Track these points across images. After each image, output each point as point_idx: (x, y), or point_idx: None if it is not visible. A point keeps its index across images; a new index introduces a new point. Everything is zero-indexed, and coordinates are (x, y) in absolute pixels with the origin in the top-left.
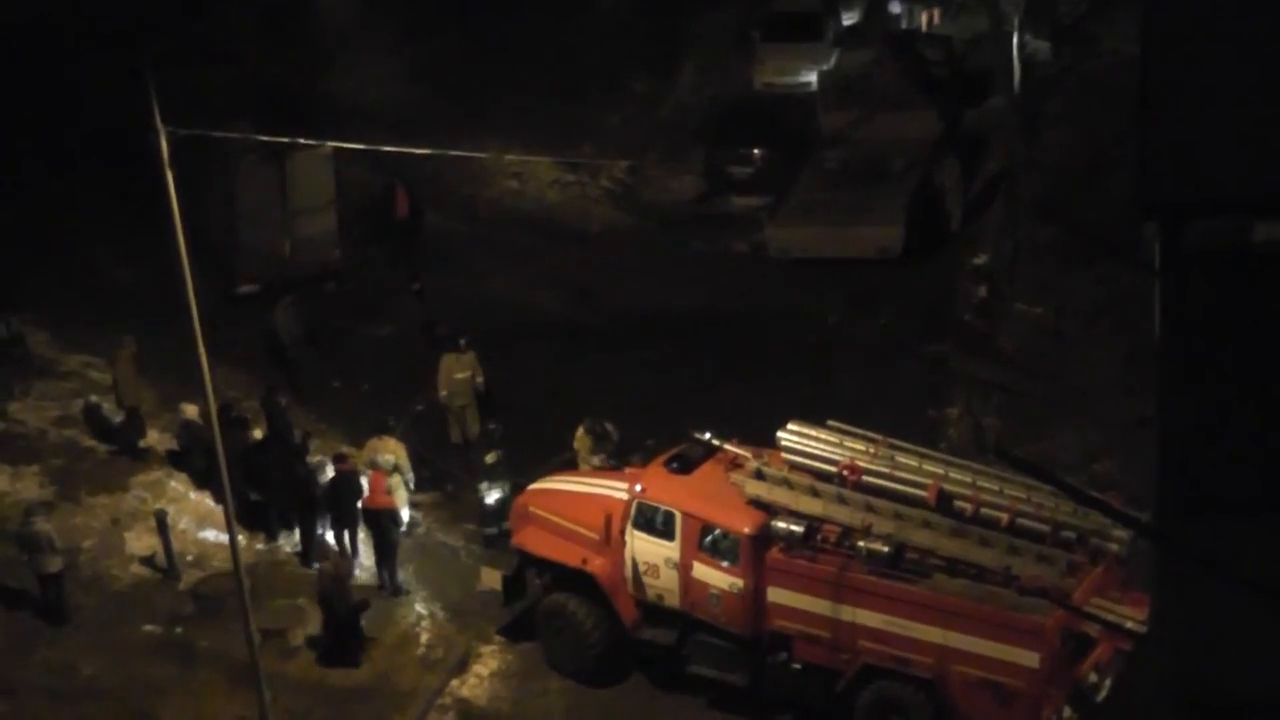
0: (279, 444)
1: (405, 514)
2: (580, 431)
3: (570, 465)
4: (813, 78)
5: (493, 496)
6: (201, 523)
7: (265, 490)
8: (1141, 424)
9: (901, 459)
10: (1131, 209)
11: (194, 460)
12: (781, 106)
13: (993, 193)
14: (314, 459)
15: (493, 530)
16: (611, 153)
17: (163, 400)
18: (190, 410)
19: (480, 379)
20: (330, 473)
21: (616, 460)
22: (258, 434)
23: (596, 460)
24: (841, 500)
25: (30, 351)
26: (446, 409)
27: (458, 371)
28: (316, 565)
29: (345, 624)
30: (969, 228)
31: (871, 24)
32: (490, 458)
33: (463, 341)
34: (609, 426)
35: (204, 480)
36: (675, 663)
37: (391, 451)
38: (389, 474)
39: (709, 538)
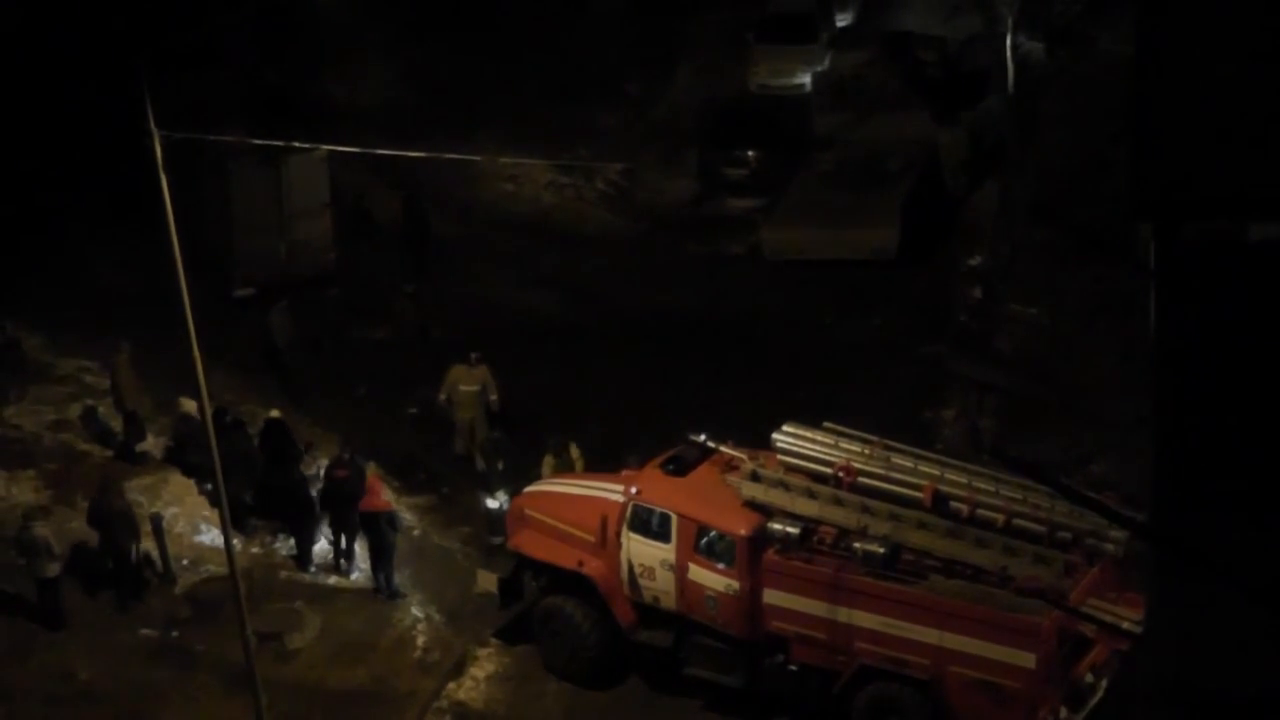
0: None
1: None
2: (548, 457)
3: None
4: (807, 79)
5: (496, 504)
6: (197, 526)
7: (262, 494)
8: (1137, 424)
9: (897, 460)
10: (1127, 209)
11: (188, 455)
12: (776, 108)
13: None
14: (318, 460)
15: (498, 539)
16: (606, 155)
17: (158, 404)
18: (190, 405)
19: (494, 396)
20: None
21: None
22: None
23: None
24: (837, 502)
25: (25, 355)
26: (449, 417)
27: (465, 384)
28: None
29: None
30: (965, 219)
31: (865, 25)
32: (499, 465)
33: (474, 356)
34: (574, 452)
35: (195, 473)
36: (672, 665)
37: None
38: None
39: (705, 540)
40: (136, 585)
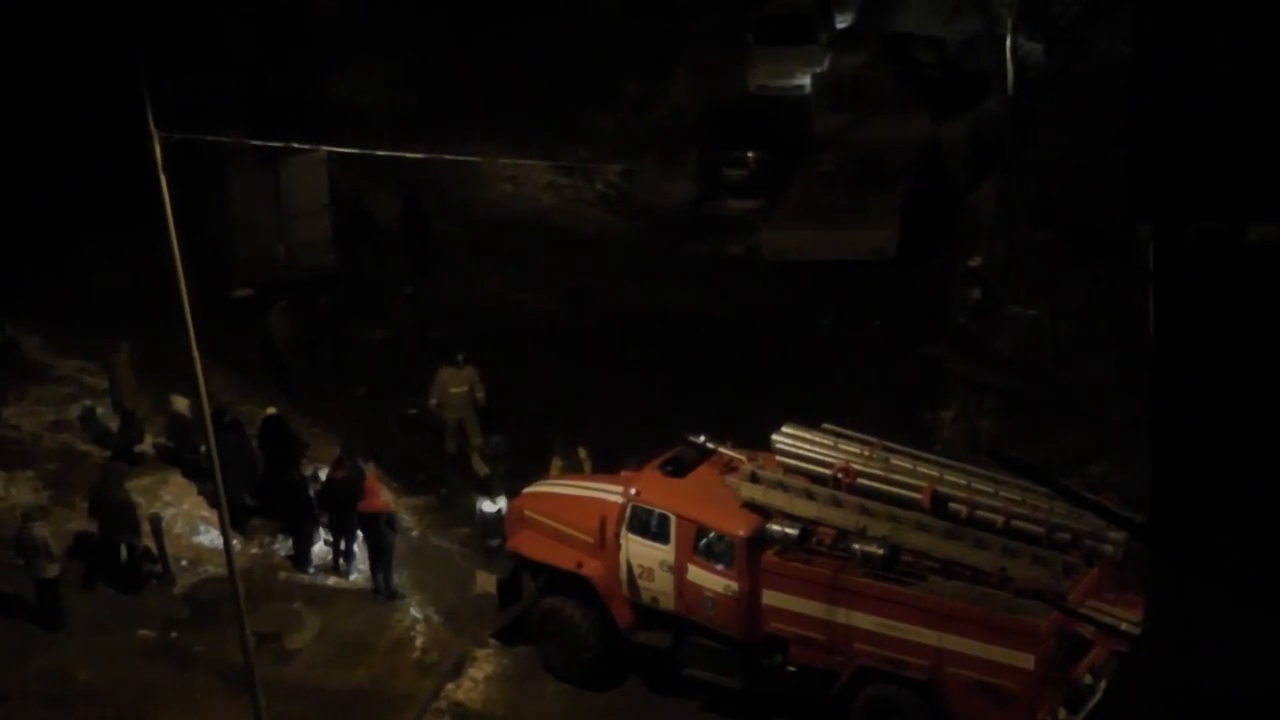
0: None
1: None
2: (555, 459)
3: None
4: (807, 80)
5: (495, 508)
6: (196, 527)
7: (261, 495)
8: (1137, 425)
9: (896, 461)
10: (1126, 210)
11: (183, 455)
12: (775, 109)
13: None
14: (315, 461)
15: (495, 542)
16: (605, 156)
17: (156, 405)
18: (180, 403)
19: (480, 394)
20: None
21: None
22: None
23: None
24: (836, 503)
25: (24, 356)
26: (439, 420)
27: (453, 385)
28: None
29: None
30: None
31: (865, 27)
32: (500, 469)
33: (460, 357)
34: (582, 453)
35: (193, 472)
36: (670, 666)
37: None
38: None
39: (704, 541)
40: (135, 579)
